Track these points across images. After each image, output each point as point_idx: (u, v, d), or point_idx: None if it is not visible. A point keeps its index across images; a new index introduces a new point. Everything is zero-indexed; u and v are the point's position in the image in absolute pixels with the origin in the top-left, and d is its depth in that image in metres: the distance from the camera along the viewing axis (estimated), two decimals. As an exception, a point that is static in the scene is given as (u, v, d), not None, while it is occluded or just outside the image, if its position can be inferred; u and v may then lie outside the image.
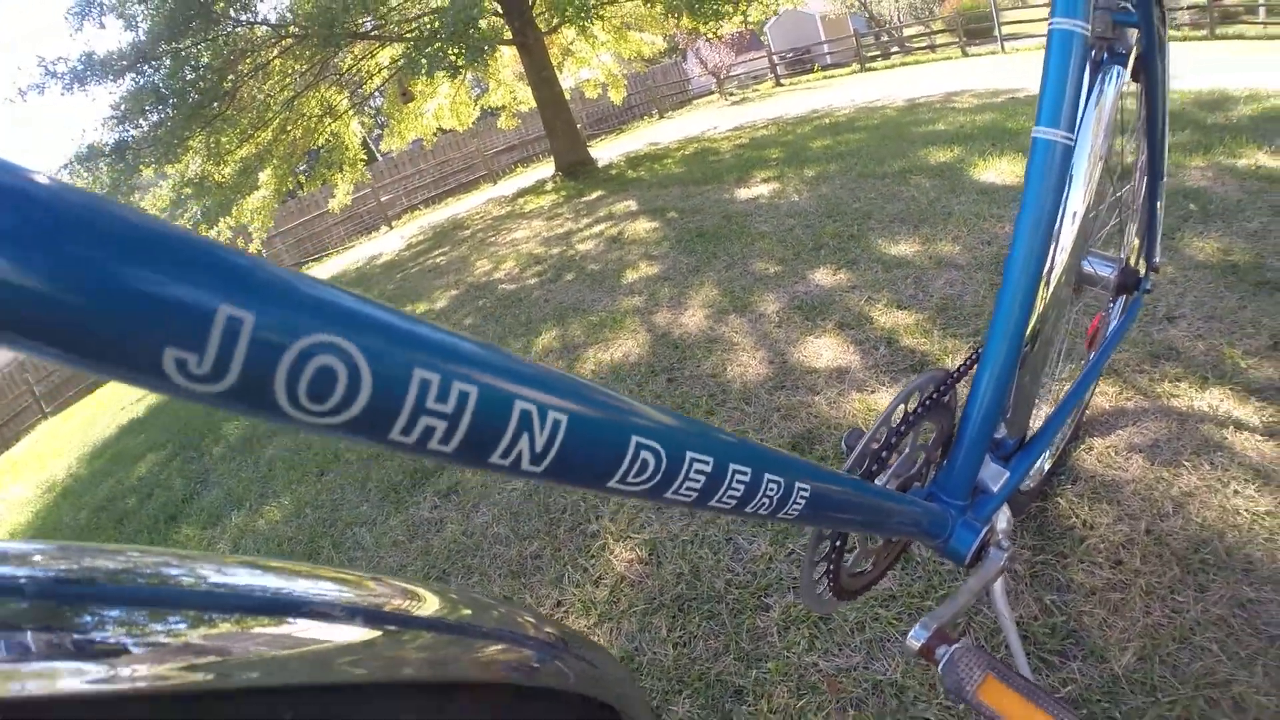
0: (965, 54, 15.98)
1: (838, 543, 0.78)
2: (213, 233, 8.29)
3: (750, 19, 8.94)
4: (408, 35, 8.01)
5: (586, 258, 4.50)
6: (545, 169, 12.07)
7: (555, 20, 8.64)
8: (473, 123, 11.00)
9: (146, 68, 6.75)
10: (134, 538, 2.79)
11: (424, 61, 6.96)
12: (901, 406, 0.77)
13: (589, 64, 11.31)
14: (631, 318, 3.14)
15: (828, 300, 2.74)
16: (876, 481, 0.76)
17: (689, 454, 0.40)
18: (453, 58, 6.94)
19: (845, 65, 19.60)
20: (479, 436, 0.29)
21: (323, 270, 10.06)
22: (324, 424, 0.25)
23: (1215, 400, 1.67)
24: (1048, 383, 1.37)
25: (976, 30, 16.68)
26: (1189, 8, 13.55)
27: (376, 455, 2.54)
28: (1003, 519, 0.88)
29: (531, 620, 0.43)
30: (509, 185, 12.12)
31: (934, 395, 0.80)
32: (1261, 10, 12.61)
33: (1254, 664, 1.05)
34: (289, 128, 8.14)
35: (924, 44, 18.61)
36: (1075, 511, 1.42)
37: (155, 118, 6.89)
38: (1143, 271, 1.31)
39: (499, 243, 6.15)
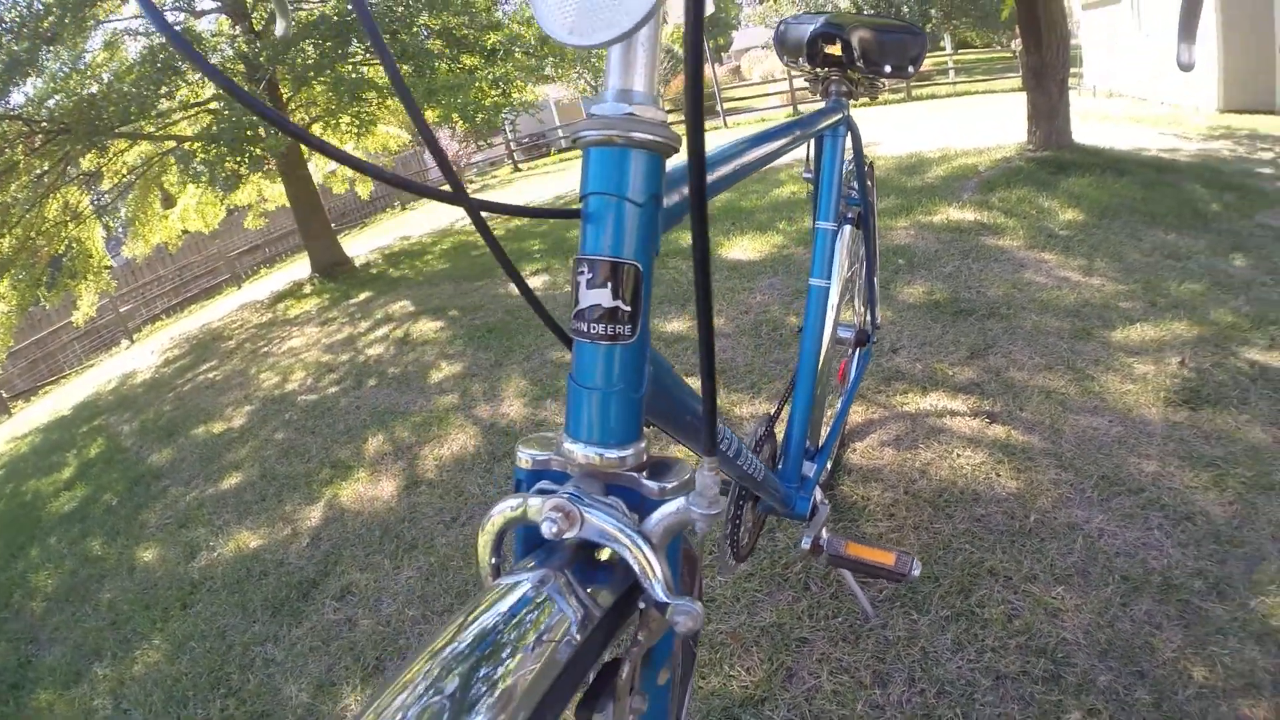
0: (693, 130, 17.95)
1: (736, 519, 1.35)
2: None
3: (498, 116, 9.60)
4: (183, 137, 7.89)
5: (382, 361, 4.71)
6: (295, 270, 11.82)
7: (314, 114, 8.86)
8: (217, 223, 10.75)
9: None
10: (-31, 714, 2.65)
11: (204, 170, 6.97)
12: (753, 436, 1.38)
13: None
14: (454, 414, 3.47)
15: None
16: None
17: None
18: (234, 166, 7.01)
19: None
20: None
21: (67, 395, 9.17)
22: None
23: (934, 401, 2.47)
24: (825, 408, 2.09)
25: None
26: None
27: (247, 575, 2.62)
28: (818, 493, 1.51)
29: None
30: (259, 288, 11.69)
31: (767, 429, 1.41)
32: (950, 71, 15.51)
33: (995, 547, 1.74)
34: (33, 234, 7.68)
35: (653, 124, 20.53)
36: (855, 491, 2.08)
37: None
38: (870, 329, 2.04)
39: (276, 353, 6.05)
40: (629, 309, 0.55)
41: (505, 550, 0.59)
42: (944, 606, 1.60)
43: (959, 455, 2.14)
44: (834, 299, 1.47)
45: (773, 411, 1.50)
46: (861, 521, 1.94)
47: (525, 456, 0.60)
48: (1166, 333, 2.69)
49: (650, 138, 0.53)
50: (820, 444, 1.61)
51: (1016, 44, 15.15)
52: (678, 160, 0.59)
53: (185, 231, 10.42)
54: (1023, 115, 6.19)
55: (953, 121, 9.51)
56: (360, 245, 12.08)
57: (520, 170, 19.79)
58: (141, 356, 9.18)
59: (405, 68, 8.23)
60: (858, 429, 2.41)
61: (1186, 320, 2.76)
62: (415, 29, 8.46)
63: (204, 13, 8.45)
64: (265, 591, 2.49)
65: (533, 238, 7.73)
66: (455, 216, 12.03)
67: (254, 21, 7.96)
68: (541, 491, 0.56)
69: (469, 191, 0.55)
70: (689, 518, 0.55)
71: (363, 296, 7.17)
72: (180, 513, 3.39)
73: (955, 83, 14.88)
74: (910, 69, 1.47)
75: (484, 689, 0.42)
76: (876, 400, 2.55)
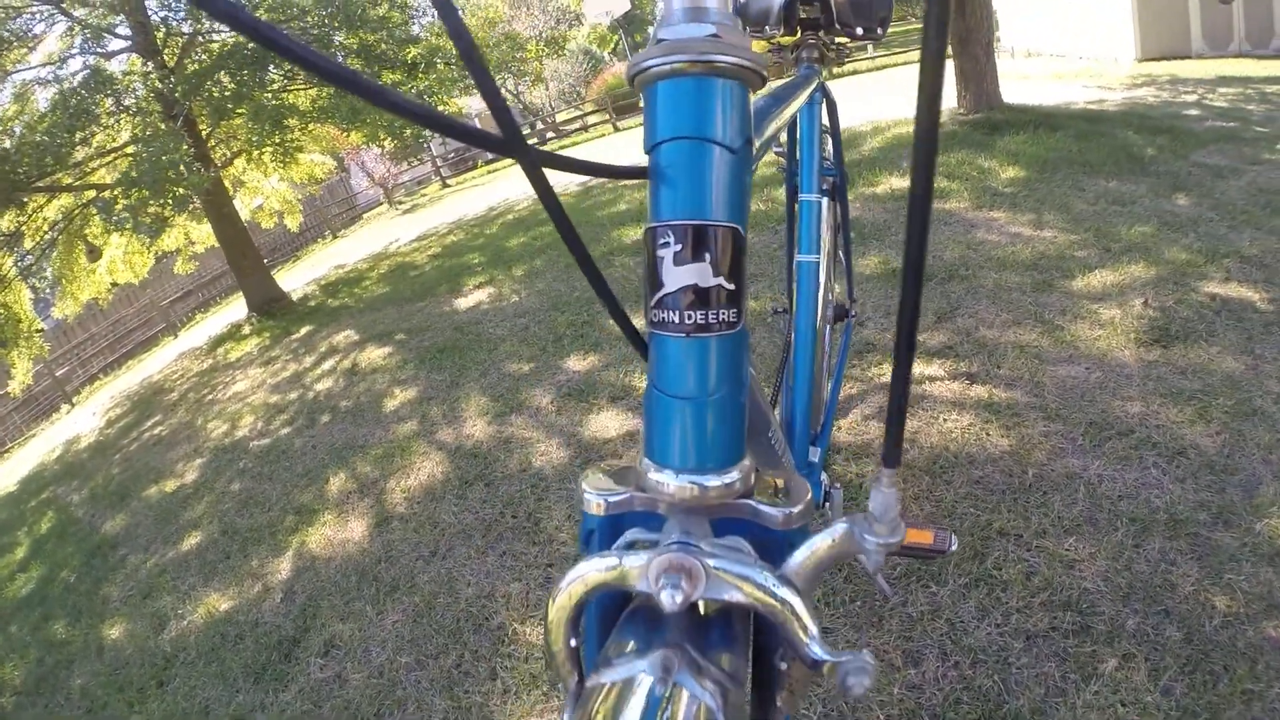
0: (617, 129, 18.05)
1: None
2: None
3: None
4: (102, 186, 7.65)
5: (333, 395, 4.58)
6: (232, 312, 11.48)
7: (235, 147, 8.65)
8: (146, 272, 10.45)
9: None
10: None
11: (127, 217, 6.74)
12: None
13: (261, 192, 11.21)
14: (416, 442, 3.37)
15: (591, 381, 3.26)
16: None
17: None
18: (158, 209, 6.81)
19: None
20: None
21: (11, 470, 8.80)
22: None
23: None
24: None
25: (624, 106, 18.86)
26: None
27: (222, 641, 2.50)
28: (824, 477, 1.49)
29: None
30: (197, 335, 11.36)
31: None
32: (869, 47, 15.76)
33: (999, 506, 1.76)
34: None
35: (577, 125, 20.62)
36: (847, 469, 2.08)
37: None
38: (847, 303, 2.03)
39: (221, 400, 5.86)
40: (731, 287, 0.44)
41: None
42: (961, 574, 1.60)
43: (945, 420, 2.15)
44: (824, 274, 1.45)
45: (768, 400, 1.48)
46: (860, 499, 1.94)
47: (596, 499, 0.48)
48: (1125, 276, 2.75)
49: (741, 63, 0.43)
50: (821, 427, 1.60)
51: (930, 13, 15.44)
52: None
53: (115, 284, 10.08)
54: (947, 82, 6.27)
55: (878, 95, 9.66)
56: (295, 278, 11.84)
57: (449, 186, 19.55)
58: (83, 420, 8.89)
59: (325, 91, 8.10)
60: (839, 404, 2.41)
61: (1142, 262, 2.82)
62: (332, 49, 8.32)
63: (115, 53, 8.23)
64: (244, 657, 2.36)
65: (471, 251, 7.63)
66: (389, 239, 11.87)
67: (166, 57, 7.75)
68: (636, 544, 0.45)
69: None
70: (856, 547, 0.44)
71: (304, 331, 7.01)
72: (142, 582, 3.25)
73: (875, 57, 15.09)
74: (879, 30, 1.45)
75: None
76: (851, 374, 2.56)
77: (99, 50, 8.07)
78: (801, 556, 0.44)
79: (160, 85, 7.31)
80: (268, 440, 4.27)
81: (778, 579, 0.41)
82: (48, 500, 5.64)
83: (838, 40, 1.45)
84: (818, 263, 1.37)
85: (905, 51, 14.67)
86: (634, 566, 0.41)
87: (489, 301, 5.23)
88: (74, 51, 8.17)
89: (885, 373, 2.50)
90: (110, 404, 8.75)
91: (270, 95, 8.03)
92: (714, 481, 0.44)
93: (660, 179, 0.44)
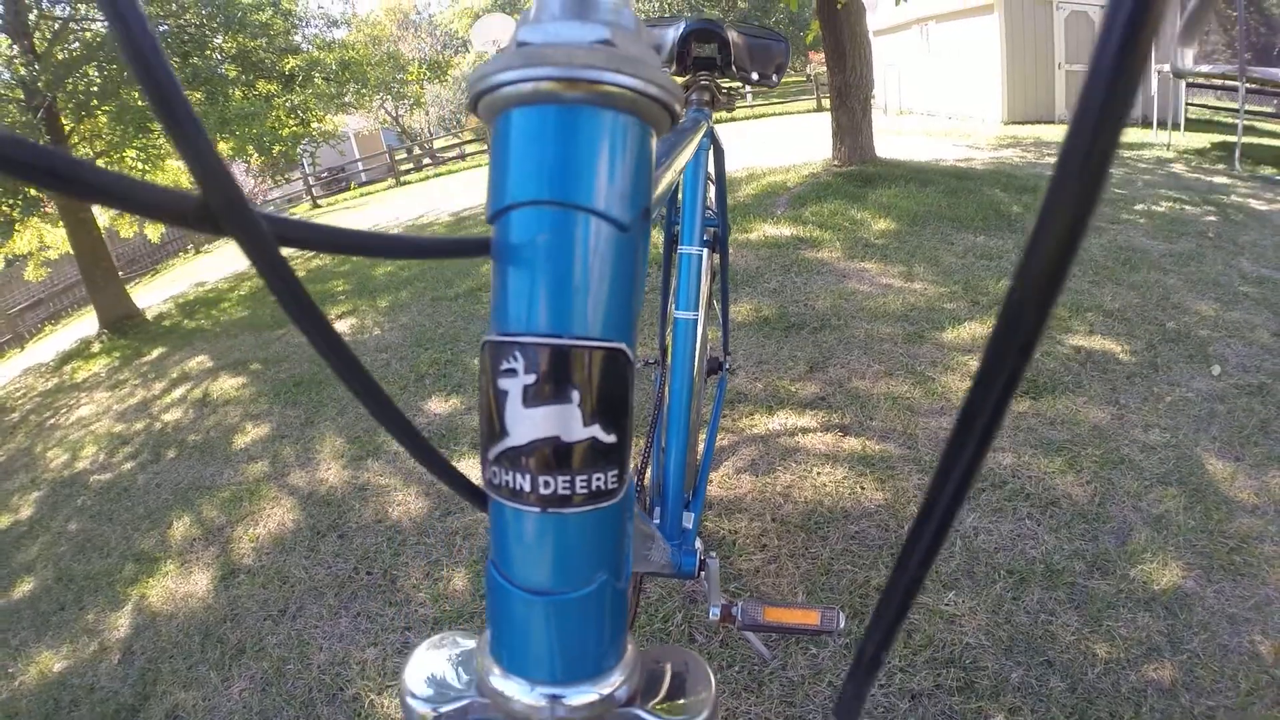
0: (496, 161, 18.17)
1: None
2: None
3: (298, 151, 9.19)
4: None
5: (181, 428, 4.32)
6: (83, 326, 10.72)
7: (98, 147, 8.17)
8: None
9: None
10: None
11: None
12: None
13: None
14: (265, 485, 3.21)
15: (451, 426, 3.18)
16: None
17: None
18: (7, 210, 6.30)
19: (381, 180, 21.01)
20: None
21: None
22: None
23: (783, 420, 2.50)
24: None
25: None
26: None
27: (55, 708, 2.23)
28: (699, 544, 1.45)
29: None
30: (44, 349, 10.56)
31: (639, 485, 1.34)
32: (748, 95, 16.44)
33: (876, 562, 1.77)
34: None
35: (455, 154, 20.65)
36: (720, 526, 2.07)
37: None
38: (722, 357, 2.03)
39: (64, 425, 5.44)
40: (610, 439, 0.32)
41: None
42: (841, 635, 1.59)
43: (819, 473, 2.17)
44: (702, 330, 1.43)
45: (637, 464, 1.43)
46: (734, 557, 1.92)
47: (424, 709, 0.38)
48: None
49: (645, 87, 0.30)
50: (694, 489, 1.57)
51: (810, 68, 16.31)
52: None
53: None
54: (823, 134, 6.60)
55: (755, 142, 9.99)
56: (153, 294, 11.26)
57: (320, 206, 19.24)
58: (-79, 442, 8.13)
59: (196, 95, 7.81)
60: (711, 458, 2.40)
61: (1010, 314, 2.96)
62: (210, 52, 8.01)
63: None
64: (79, 722, 2.17)
65: (336, 278, 7.41)
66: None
67: (35, 41, 7.34)
68: None
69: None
70: None
71: (156, 353, 6.63)
72: (-29, 635, 2.95)
73: (753, 106, 15.71)
74: (774, 78, 1.43)
75: None
76: (723, 425, 2.55)
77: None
78: None
79: (24, 71, 6.90)
80: (109, 475, 3.97)
81: None
82: None
83: (729, 85, 1.43)
84: (696, 319, 1.32)
85: (783, 103, 15.36)
86: None
87: (350, 334, 5.06)
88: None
89: (758, 424, 2.51)
90: (-47, 425, 8.05)
91: (138, 95, 7.69)
92: (582, 697, 0.35)
93: (507, 266, 0.32)
